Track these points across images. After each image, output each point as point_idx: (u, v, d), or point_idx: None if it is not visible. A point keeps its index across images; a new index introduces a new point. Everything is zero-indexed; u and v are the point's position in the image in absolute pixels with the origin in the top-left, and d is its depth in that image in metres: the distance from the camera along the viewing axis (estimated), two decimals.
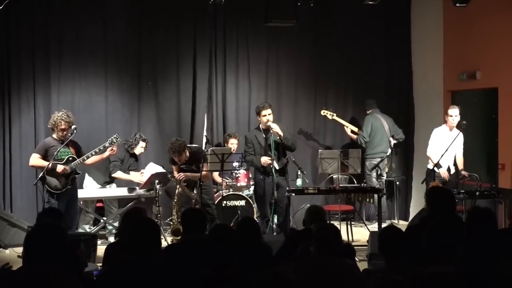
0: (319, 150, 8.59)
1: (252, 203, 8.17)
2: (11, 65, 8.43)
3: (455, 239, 3.44)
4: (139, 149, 8.22)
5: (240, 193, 8.25)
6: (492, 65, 8.41)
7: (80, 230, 7.86)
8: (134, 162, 8.30)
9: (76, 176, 7.28)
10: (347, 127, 9.25)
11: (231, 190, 8.29)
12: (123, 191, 8.13)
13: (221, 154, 7.41)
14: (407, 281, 3.01)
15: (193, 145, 8.24)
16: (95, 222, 8.32)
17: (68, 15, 8.63)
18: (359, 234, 8.34)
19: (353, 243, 7.22)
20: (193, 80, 9.11)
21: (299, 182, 7.60)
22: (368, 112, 9.25)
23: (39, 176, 7.01)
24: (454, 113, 8.05)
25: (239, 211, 8.06)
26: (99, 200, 8.34)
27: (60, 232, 3.18)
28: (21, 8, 8.33)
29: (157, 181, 7.65)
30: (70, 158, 7.13)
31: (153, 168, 8.15)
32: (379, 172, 8.87)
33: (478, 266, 2.94)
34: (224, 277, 3.50)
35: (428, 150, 8.24)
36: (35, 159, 7.12)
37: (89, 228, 8.18)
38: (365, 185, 8.16)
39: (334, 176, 8.59)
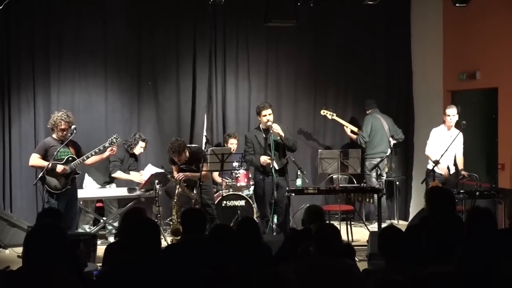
0: (319, 150, 8.59)
1: (252, 203, 8.17)
2: (11, 65, 8.43)
3: (455, 239, 3.44)
4: (138, 149, 8.22)
5: (240, 193, 8.25)
6: (492, 65, 8.41)
7: (80, 230, 7.86)
8: (134, 162, 8.30)
9: (76, 176, 7.28)
10: (346, 127, 9.25)
11: (231, 190, 8.29)
12: (123, 191, 8.13)
13: (221, 154, 7.41)
14: (407, 281, 3.01)
15: (193, 145, 8.24)
16: (95, 222, 8.32)
17: (68, 15, 8.63)
18: (359, 234, 8.34)
19: (353, 243, 7.22)
20: (193, 80, 9.11)
21: (299, 182, 7.60)
22: (367, 112, 9.25)
23: (39, 176, 7.00)
24: (452, 113, 8.06)
25: (239, 211, 8.06)
26: (99, 200, 8.34)
27: (60, 232, 3.17)
28: (21, 8, 8.33)
29: (156, 181, 7.65)
30: (70, 158, 7.13)
31: (151, 170, 8.14)
32: (379, 172, 8.89)
33: (477, 266, 2.94)
34: (224, 277, 3.50)
35: (426, 149, 8.25)
36: (35, 159, 7.12)
37: (89, 228, 8.18)
38: (365, 185, 8.16)
39: (334, 176, 8.59)
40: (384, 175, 9.06)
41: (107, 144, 7.34)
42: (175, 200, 7.61)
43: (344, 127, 9.25)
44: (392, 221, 9.36)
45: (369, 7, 8.37)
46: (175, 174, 7.72)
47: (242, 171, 8.32)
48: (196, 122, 9.11)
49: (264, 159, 7.60)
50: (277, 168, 7.56)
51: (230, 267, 3.61)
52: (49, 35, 8.57)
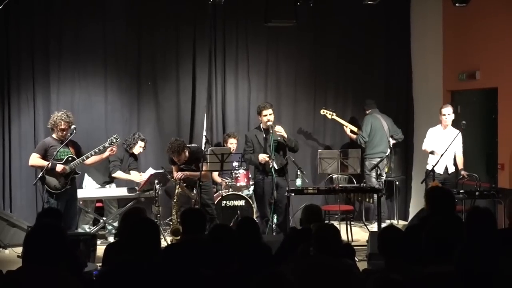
0: (319, 150, 8.60)
1: (251, 203, 8.17)
2: (11, 65, 8.44)
3: (455, 239, 3.44)
4: (137, 149, 8.22)
5: (240, 193, 8.25)
6: (491, 65, 8.41)
7: (79, 230, 7.86)
8: (134, 162, 8.29)
9: (76, 176, 7.28)
10: (346, 126, 9.25)
11: (230, 190, 8.29)
12: (122, 191, 8.14)
13: (220, 154, 7.41)
14: (406, 281, 3.01)
15: (192, 145, 8.24)
16: (95, 222, 8.32)
17: (68, 15, 8.63)
18: (358, 234, 8.34)
19: (353, 243, 7.22)
20: (193, 80, 9.11)
21: (298, 182, 7.60)
22: (367, 112, 9.25)
23: (39, 176, 7.01)
24: (447, 112, 8.08)
25: (238, 211, 8.06)
26: (99, 200, 8.34)
27: (60, 232, 3.18)
28: (21, 8, 8.33)
29: (156, 181, 7.65)
30: (70, 158, 7.13)
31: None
32: (378, 172, 8.89)
33: (477, 266, 2.94)
34: (224, 277, 3.50)
35: (423, 145, 8.28)
36: (35, 159, 7.12)
37: (89, 228, 8.18)
38: (364, 185, 8.16)
39: (334, 176, 8.59)
40: (384, 175, 9.06)
41: (107, 144, 7.34)
42: (175, 200, 7.60)
43: (344, 127, 9.25)
44: (392, 221, 9.36)
45: (369, 7, 8.37)
46: (175, 174, 7.72)
47: (242, 171, 8.32)
48: (195, 122, 9.11)
49: (262, 157, 7.60)
50: (276, 168, 7.56)
51: (230, 267, 3.61)
52: (49, 35, 8.57)
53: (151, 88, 9.01)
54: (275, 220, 7.74)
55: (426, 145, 8.22)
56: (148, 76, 9.00)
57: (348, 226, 7.81)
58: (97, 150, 7.28)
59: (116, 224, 8.11)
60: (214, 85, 9.18)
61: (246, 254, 3.90)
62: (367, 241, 6.89)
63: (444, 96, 9.21)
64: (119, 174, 8.08)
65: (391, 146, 9.13)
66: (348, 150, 8.51)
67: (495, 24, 8.33)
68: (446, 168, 8.06)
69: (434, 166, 7.76)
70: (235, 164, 8.19)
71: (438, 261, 3.36)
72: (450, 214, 4.58)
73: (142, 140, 8.23)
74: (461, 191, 7.30)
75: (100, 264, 5.09)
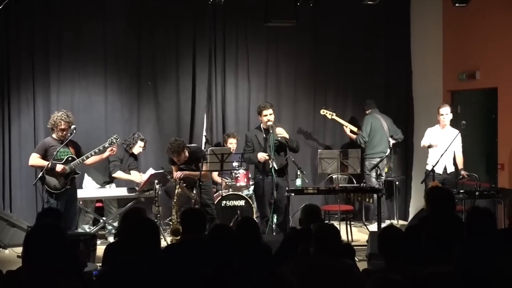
0: (319, 150, 8.60)
1: (251, 203, 8.17)
2: (11, 65, 8.44)
3: (455, 239, 3.44)
4: (137, 149, 8.22)
5: (240, 193, 8.25)
6: (491, 65, 8.41)
7: (79, 230, 7.86)
8: (134, 162, 8.29)
9: (76, 176, 7.28)
10: (346, 126, 9.24)
11: (230, 190, 8.29)
12: (122, 191, 8.14)
13: (220, 154, 7.40)
14: (406, 281, 3.01)
15: (192, 145, 8.24)
16: (95, 222, 8.32)
17: (68, 15, 8.63)
18: (358, 234, 8.34)
19: (353, 243, 7.22)
20: (193, 80, 9.11)
21: (298, 182, 7.60)
22: (367, 112, 9.25)
23: (39, 176, 7.01)
24: (445, 111, 8.09)
25: (238, 211, 8.06)
26: (99, 200, 8.34)
27: (60, 232, 3.18)
28: (21, 8, 8.33)
29: (156, 181, 7.65)
30: (70, 158, 7.13)
31: None
32: (378, 172, 8.88)
33: (477, 266, 2.94)
34: (224, 277, 3.50)
35: (421, 143, 8.29)
36: (35, 159, 7.12)
37: (89, 228, 8.18)
38: (364, 185, 8.16)
39: (334, 176, 8.59)
40: (384, 175, 9.05)
41: (107, 144, 7.34)
42: (174, 200, 7.60)
43: (344, 127, 9.25)
44: (392, 221, 9.36)
45: (369, 7, 8.37)
46: (174, 174, 7.72)
47: (241, 171, 8.32)
48: (195, 122, 9.11)
49: (261, 155, 7.60)
50: (276, 168, 7.56)
51: (230, 267, 3.61)
52: (49, 35, 8.57)
53: (151, 88, 9.01)
54: (275, 220, 7.74)
55: (424, 142, 8.23)
56: (148, 76, 9.00)
57: (348, 226, 7.80)
58: (97, 150, 7.28)
59: (116, 224, 8.11)
60: (214, 85, 9.18)
61: (246, 254, 3.90)
62: (367, 241, 6.89)
63: (444, 96, 9.21)
64: (119, 174, 8.08)
65: (391, 146, 9.13)
66: (348, 150, 8.51)
67: (495, 24, 8.33)
68: (445, 168, 8.06)
69: (434, 166, 7.76)
70: (235, 164, 8.19)
71: (438, 261, 3.35)
72: (450, 214, 4.58)
73: (141, 140, 8.23)
74: (461, 191, 7.30)
75: (100, 264, 5.09)
